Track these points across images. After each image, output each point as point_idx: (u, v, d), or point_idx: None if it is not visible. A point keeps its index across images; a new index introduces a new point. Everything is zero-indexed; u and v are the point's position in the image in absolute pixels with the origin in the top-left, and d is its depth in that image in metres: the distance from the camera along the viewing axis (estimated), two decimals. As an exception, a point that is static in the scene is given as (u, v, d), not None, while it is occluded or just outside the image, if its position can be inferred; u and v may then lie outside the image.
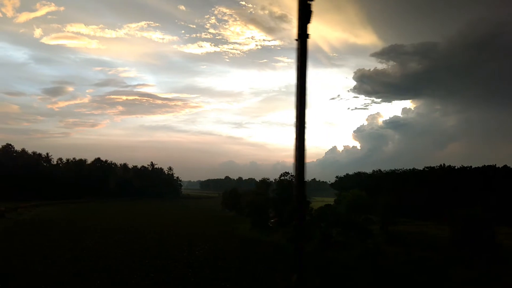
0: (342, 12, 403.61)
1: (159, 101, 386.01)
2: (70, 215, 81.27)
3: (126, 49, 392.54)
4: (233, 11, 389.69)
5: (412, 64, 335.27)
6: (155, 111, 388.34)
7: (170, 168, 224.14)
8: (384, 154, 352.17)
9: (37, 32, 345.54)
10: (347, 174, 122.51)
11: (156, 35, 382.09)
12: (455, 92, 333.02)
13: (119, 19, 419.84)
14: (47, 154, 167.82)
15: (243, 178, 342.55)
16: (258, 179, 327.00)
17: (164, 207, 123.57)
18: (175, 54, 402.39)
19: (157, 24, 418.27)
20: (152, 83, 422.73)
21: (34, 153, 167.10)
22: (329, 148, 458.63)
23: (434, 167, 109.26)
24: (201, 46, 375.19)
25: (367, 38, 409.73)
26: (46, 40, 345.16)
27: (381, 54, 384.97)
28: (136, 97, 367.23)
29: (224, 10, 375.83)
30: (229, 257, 35.41)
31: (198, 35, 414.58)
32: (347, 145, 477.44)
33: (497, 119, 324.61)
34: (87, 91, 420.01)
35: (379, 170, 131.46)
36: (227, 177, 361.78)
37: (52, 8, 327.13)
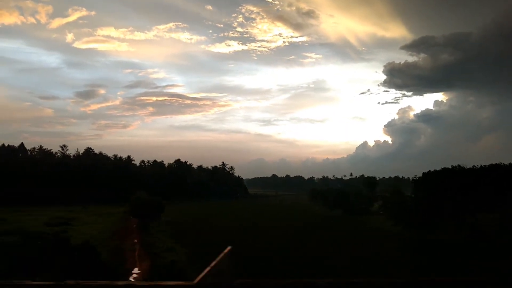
0: (370, 5, 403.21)
1: (188, 101, 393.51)
2: (207, 215, 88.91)
3: (155, 51, 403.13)
4: (260, 9, 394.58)
5: (444, 55, 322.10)
6: (185, 111, 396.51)
7: (231, 168, 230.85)
8: (416, 148, 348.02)
9: (69, 37, 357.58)
10: (435, 170, 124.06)
11: (184, 36, 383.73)
12: (489, 83, 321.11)
13: (148, 21, 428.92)
14: (129, 156, 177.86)
15: (277, 175, 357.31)
16: (290, 175, 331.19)
17: (262, 207, 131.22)
18: (203, 54, 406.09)
19: (185, 25, 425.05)
20: (181, 84, 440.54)
21: (115, 156, 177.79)
22: (360, 143, 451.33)
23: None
24: (229, 45, 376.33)
25: (396, 30, 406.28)
26: (77, 45, 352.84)
27: (411, 47, 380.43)
28: (166, 98, 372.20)
29: (251, 8, 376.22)
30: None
31: (225, 34, 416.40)
32: (378, 140, 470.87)
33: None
34: (118, 93, 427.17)
35: (475, 165, 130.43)
36: (274, 175, 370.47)
37: (83, 13, 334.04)
